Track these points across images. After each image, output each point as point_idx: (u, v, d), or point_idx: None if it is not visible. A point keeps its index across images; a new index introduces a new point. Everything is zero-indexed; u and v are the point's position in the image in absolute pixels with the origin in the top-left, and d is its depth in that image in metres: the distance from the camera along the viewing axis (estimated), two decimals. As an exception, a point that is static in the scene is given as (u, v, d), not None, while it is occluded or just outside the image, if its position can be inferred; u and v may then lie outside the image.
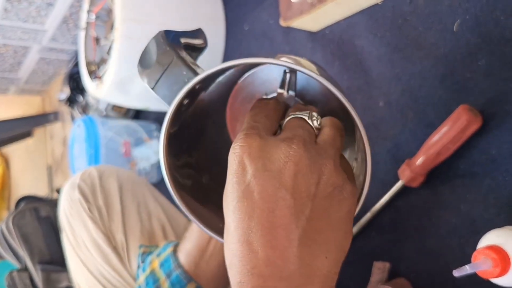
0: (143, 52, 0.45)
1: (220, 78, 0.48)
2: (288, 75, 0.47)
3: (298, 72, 0.47)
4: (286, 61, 0.40)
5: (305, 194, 0.34)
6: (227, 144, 0.52)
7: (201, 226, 0.45)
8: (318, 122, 0.39)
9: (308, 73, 0.39)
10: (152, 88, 0.45)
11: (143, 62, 0.45)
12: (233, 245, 0.33)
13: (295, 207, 0.33)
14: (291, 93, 0.47)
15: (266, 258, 0.32)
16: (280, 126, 0.41)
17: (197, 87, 0.42)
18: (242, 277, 0.32)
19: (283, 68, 0.48)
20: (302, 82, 0.49)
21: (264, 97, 0.51)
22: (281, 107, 0.42)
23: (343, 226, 0.35)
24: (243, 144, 0.35)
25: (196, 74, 0.42)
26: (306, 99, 0.50)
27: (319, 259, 0.33)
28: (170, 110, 0.42)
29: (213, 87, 0.48)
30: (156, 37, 0.45)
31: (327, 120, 0.40)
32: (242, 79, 0.51)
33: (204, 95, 0.48)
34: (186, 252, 0.64)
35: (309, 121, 0.39)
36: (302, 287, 0.32)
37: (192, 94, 0.43)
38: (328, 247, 0.34)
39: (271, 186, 0.33)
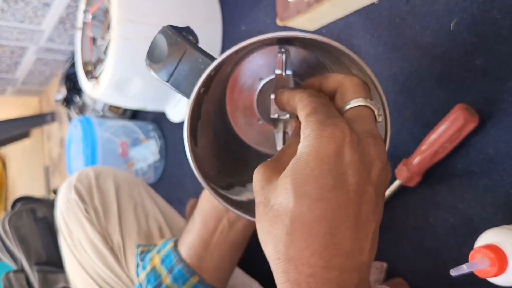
0: (151, 47, 0.45)
1: (222, 68, 0.48)
2: (283, 55, 0.47)
3: (291, 51, 0.48)
4: (297, 34, 0.41)
5: (381, 191, 0.35)
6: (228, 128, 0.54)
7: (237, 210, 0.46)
8: (381, 119, 0.39)
9: (316, 37, 0.40)
10: (167, 81, 0.44)
11: (153, 57, 0.45)
12: (307, 236, 0.32)
13: (375, 203, 0.34)
14: (289, 72, 0.47)
15: (348, 250, 0.32)
16: None
17: (212, 73, 0.42)
18: (316, 269, 0.31)
19: (275, 52, 0.49)
20: (295, 63, 0.50)
21: (261, 81, 0.52)
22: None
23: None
24: (345, 131, 0.33)
25: (212, 59, 0.42)
26: (301, 77, 0.51)
27: (374, 250, 0.35)
28: (191, 99, 0.42)
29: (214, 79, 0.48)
30: (162, 31, 0.44)
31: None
32: (237, 67, 0.52)
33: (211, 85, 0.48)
34: (189, 245, 0.64)
35: (377, 116, 0.38)
36: (367, 275, 0.34)
37: (208, 82, 0.43)
38: (377, 241, 0.35)
39: (363, 180, 0.33)
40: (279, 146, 0.48)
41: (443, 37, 0.60)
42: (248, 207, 0.46)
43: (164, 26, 0.45)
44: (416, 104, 0.64)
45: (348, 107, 0.38)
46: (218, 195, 0.45)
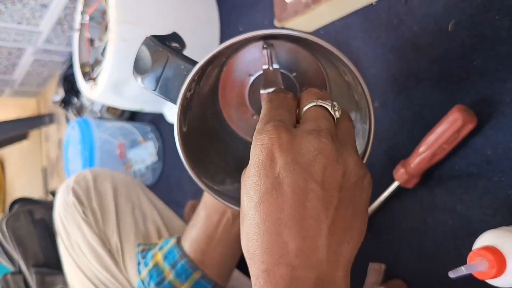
0: (136, 60, 0.47)
1: (208, 69, 0.49)
2: (268, 50, 0.49)
3: (277, 46, 0.50)
4: (282, 31, 0.42)
5: (333, 185, 0.35)
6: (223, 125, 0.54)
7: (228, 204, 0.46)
8: (339, 113, 0.40)
9: (294, 33, 0.41)
10: (154, 90, 0.45)
11: (139, 69, 0.46)
12: (257, 235, 0.34)
13: (324, 199, 0.34)
14: (275, 66, 0.49)
15: (296, 248, 0.33)
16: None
17: (196, 77, 0.43)
18: (268, 266, 0.33)
19: (261, 48, 0.50)
20: (283, 55, 0.51)
21: (251, 77, 0.53)
22: (296, 100, 0.43)
23: (363, 213, 0.37)
24: (272, 136, 0.35)
25: (194, 64, 0.43)
26: (290, 70, 0.52)
27: (343, 246, 0.35)
28: (177, 104, 0.43)
29: (203, 80, 0.49)
30: (145, 43, 0.46)
31: (342, 111, 0.41)
32: (226, 66, 0.53)
33: (198, 88, 0.49)
34: (192, 240, 0.64)
35: (332, 111, 0.39)
36: (329, 274, 0.34)
37: (195, 86, 0.44)
38: (351, 234, 0.35)
39: (301, 179, 0.34)
40: None
41: (441, 38, 0.60)
42: None
43: (146, 37, 0.46)
44: (414, 105, 0.64)
45: (304, 109, 0.40)
46: (214, 192, 0.46)
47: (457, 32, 0.59)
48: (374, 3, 0.70)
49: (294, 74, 0.53)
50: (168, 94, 0.45)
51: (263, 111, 0.40)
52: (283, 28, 0.41)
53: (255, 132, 0.37)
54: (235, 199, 0.47)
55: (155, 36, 0.46)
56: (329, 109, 0.39)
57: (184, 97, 0.43)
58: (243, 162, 0.54)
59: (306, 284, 0.33)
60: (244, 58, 0.51)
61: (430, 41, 0.62)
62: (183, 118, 0.45)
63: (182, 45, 0.49)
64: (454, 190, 0.59)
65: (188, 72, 0.43)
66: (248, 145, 0.56)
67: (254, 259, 0.34)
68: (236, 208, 0.46)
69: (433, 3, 0.61)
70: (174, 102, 0.44)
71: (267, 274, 0.33)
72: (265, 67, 0.49)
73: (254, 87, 0.54)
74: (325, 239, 0.34)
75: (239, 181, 0.51)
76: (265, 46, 0.49)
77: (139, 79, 0.46)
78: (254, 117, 0.55)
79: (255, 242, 0.34)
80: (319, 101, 0.40)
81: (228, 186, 0.50)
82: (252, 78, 0.53)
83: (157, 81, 0.45)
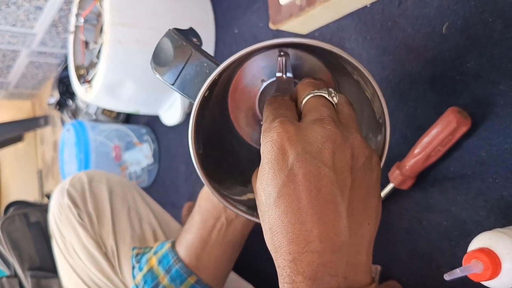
0: (156, 51, 0.46)
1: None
2: (283, 59, 0.49)
3: (290, 53, 0.50)
4: (300, 40, 0.42)
5: (345, 168, 0.36)
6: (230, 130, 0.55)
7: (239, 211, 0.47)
8: (337, 98, 0.41)
9: (314, 43, 0.41)
10: (172, 84, 0.45)
11: (159, 61, 0.46)
12: (281, 228, 0.35)
13: (338, 182, 0.36)
14: (289, 74, 0.49)
15: (319, 234, 0.34)
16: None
17: (217, 77, 0.43)
18: (295, 255, 0.34)
19: (276, 55, 0.50)
20: (295, 64, 0.52)
21: (263, 83, 0.53)
22: (293, 100, 0.44)
23: (376, 191, 0.38)
24: (280, 131, 0.37)
25: (216, 63, 0.43)
26: (301, 79, 0.51)
27: (363, 226, 0.36)
28: (196, 102, 0.43)
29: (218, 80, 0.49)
30: (167, 35, 0.45)
31: (339, 96, 0.42)
32: (239, 69, 0.52)
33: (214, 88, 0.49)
34: (187, 244, 0.64)
35: (330, 98, 0.41)
36: (352, 256, 0.35)
37: (212, 86, 0.44)
38: (369, 213, 0.37)
39: (314, 167, 0.35)
40: None
41: (435, 40, 0.61)
42: (249, 206, 0.48)
43: (169, 30, 0.45)
44: (408, 107, 0.64)
45: (303, 101, 0.41)
46: (220, 195, 0.46)
47: (450, 34, 0.59)
48: (368, 5, 0.70)
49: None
50: (186, 90, 0.45)
51: (265, 113, 0.41)
52: (310, 39, 0.41)
53: (262, 132, 0.38)
54: (238, 204, 0.48)
55: (177, 29, 0.46)
56: (327, 96, 0.41)
57: (203, 96, 0.43)
58: (245, 165, 0.54)
59: (332, 268, 0.34)
60: (258, 63, 0.51)
61: (424, 43, 0.62)
62: (200, 117, 0.44)
63: (200, 41, 0.49)
64: (448, 191, 0.59)
65: (210, 71, 0.43)
66: (252, 150, 0.56)
67: (280, 252, 0.35)
68: (255, 219, 0.46)
69: (426, 5, 0.62)
70: (192, 99, 0.44)
71: (294, 264, 0.34)
72: (279, 74, 0.49)
73: (265, 93, 0.53)
74: (346, 221, 0.35)
75: (241, 183, 0.52)
76: (281, 53, 0.49)
77: (157, 72, 0.46)
78: (262, 123, 0.55)
79: (279, 235, 0.35)
80: (315, 91, 0.41)
81: (233, 190, 0.50)
82: (265, 84, 0.53)
83: (177, 75, 0.44)
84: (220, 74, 0.44)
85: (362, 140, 0.38)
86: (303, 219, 0.35)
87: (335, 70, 0.51)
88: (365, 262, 0.36)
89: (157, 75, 0.46)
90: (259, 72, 0.52)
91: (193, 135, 0.44)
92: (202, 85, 0.43)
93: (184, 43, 0.44)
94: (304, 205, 0.35)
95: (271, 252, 0.37)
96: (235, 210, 0.47)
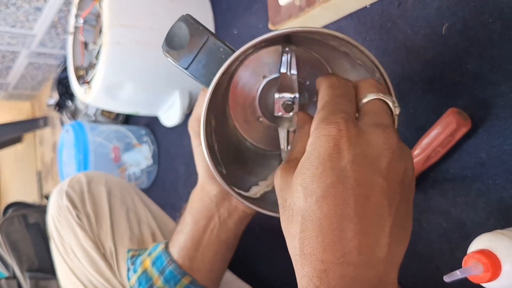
0: (170, 35, 0.45)
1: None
2: (288, 55, 0.49)
3: (296, 54, 0.50)
4: (312, 27, 0.42)
5: (396, 181, 0.34)
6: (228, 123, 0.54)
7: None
8: (399, 110, 0.40)
9: (337, 34, 0.42)
10: (186, 69, 0.45)
11: (173, 45, 0.45)
12: (318, 232, 0.33)
13: (388, 194, 0.33)
14: (293, 72, 0.49)
15: (359, 245, 0.32)
16: None
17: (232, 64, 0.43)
18: (328, 265, 0.32)
19: (278, 52, 0.50)
20: (296, 60, 0.51)
21: (265, 79, 0.53)
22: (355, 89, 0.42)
23: (412, 213, 0.37)
24: (342, 128, 0.34)
25: (232, 50, 0.43)
26: (303, 77, 0.52)
27: (398, 246, 0.34)
28: (210, 87, 0.42)
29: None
30: (183, 20, 0.45)
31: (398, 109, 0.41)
32: (243, 63, 0.52)
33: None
34: (180, 245, 0.64)
35: (392, 108, 0.39)
36: (386, 275, 0.33)
37: (226, 72, 0.43)
38: (405, 233, 0.35)
39: (369, 172, 0.33)
40: (283, 144, 0.50)
41: (435, 41, 0.60)
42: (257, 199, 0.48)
43: (184, 15, 0.45)
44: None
45: (363, 102, 0.39)
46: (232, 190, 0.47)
47: (450, 35, 0.59)
48: (368, 6, 0.70)
49: (308, 82, 0.52)
50: (199, 75, 0.44)
51: (325, 97, 0.39)
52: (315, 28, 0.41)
53: (317, 120, 0.36)
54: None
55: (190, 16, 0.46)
56: (391, 105, 0.39)
57: (217, 82, 0.42)
58: (240, 160, 0.54)
59: (364, 285, 0.32)
60: (260, 59, 0.51)
61: (424, 44, 0.62)
62: (211, 105, 0.44)
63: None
64: (448, 193, 0.59)
65: (226, 56, 0.42)
66: (249, 146, 0.56)
67: (311, 259, 0.33)
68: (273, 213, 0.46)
69: (426, 6, 0.61)
70: (205, 84, 0.43)
71: (325, 274, 0.32)
72: (283, 71, 0.49)
73: (266, 90, 0.53)
74: (387, 237, 0.33)
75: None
76: (287, 50, 0.49)
77: (170, 55, 0.45)
78: (261, 119, 0.55)
79: (314, 240, 0.33)
80: (381, 94, 0.39)
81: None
82: (266, 81, 0.53)
83: (191, 60, 0.44)
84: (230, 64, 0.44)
85: (412, 157, 0.36)
86: (344, 226, 0.32)
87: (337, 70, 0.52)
88: (394, 282, 0.34)
89: (170, 59, 0.45)
90: (261, 68, 0.52)
91: (204, 123, 0.43)
92: (217, 70, 0.42)
93: (201, 28, 0.44)
94: (350, 212, 0.32)
95: (295, 257, 0.34)
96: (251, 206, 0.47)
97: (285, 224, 0.36)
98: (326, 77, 0.42)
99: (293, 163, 0.38)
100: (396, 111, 0.40)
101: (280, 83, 0.49)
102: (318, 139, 0.35)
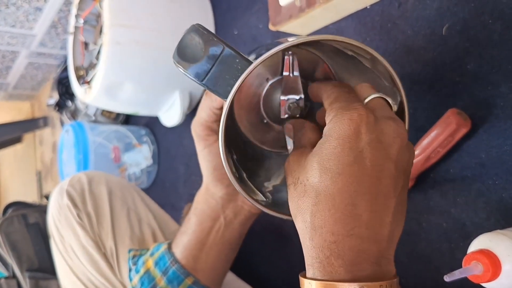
0: (182, 46, 0.44)
1: None
2: (290, 58, 0.49)
3: (298, 55, 0.50)
4: (315, 36, 0.43)
5: (402, 168, 0.38)
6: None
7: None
8: (396, 108, 0.45)
9: (331, 38, 0.42)
10: (202, 81, 0.44)
11: (186, 57, 0.44)
12: (330, 206, 0.36)
13: (395, 178, 0.37)
14: (296, 73, 0.50)
15: (368, 221, 0.36)
16: None
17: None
18: (338, 237, 0.35)
19: (280, 54, 0.50)
20: (301, 64, 0.52)
21: (269, 82, 0.53)
22: None
23: (406, 199, 0.40)
24: (362, 113, 0.37)
25: (249, 62, 0.43)
26: (306, 78, 0.52)
27: (397, 228, 0.38)
28: (228, 99, 0.42)
29: None
30: (194, 30, 0.44)
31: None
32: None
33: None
34: (184, 246, 0.64)
35: (392, 105, 0.43)
36: (386, 251, 0.37)
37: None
38: (401, 216, 0.39)
39: (382, 156, 0.37)
40: (290, 144, 0.50)
41: (435, 41, 0.61)
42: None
43: (194, 25, 0.44)
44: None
45: (367, 100, 0.42)
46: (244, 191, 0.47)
47: (450, 35, 0.59)
48: (368, 7, 0.70)
49: (310, 83, 0.53)
50: (215, 87, 0.43)
51: (334, 93, 0.42)
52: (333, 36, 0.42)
53: (337, 108, 0.39)
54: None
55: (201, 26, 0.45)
56: (390, 102, 0.43)
57: (235, 93, 0.42)
58: (246, 162, 0.54)
59: (369, 257, 0.35)
60: (264, 62, 0.51)
61: (424, 44, 0.62)
62: (228, 115, 0.44)
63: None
64: (448, 193, 0.59)
65: (243, 68, 0.42)
66: (252, 147, 0.56)
67: (321, 231, 0.36)
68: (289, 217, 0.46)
69: (426, 7, 0.62)
70: (223, 96, 0.43)
71: (335, 246, 0.35)
72: (286, 73, 0.50)
73: (270, 92, 0.53)
74: (391, 217, 0.37)
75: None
76: (289, 52, 0.49)
77: (183, 67, 0.44)
78: (265, 121, 0.55)
79: (326, 213, 0.36)
80: (381, 93, 0.43)
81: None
82: (270, 83, 0.53)
83: (207, 72, 0.43)
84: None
85: (413, 151, 0.41)
86: (356, 202, 0.36)
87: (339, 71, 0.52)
88: (392, 259, 0.37)
89: (182, 71, 0.44)
90: (264, 71, 0.52)
91: (223, 132, 0.43)
92: (234, 81, 0.42)
93: (215, 39, 0.43)
94: (362, 189, 0.36)
95: (305, 231, 0.37)
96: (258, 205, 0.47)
97: (296, 200, 0.39)
98: (327, 82, 0.46)
99: (305, 149, 0.42)
100: (395, 108, 0.44)
101: (285, 85, 0.50)
102: (339, 122, 0.37)
